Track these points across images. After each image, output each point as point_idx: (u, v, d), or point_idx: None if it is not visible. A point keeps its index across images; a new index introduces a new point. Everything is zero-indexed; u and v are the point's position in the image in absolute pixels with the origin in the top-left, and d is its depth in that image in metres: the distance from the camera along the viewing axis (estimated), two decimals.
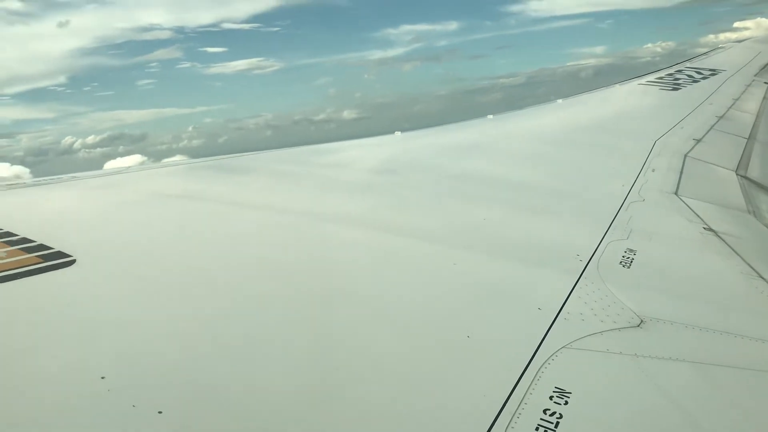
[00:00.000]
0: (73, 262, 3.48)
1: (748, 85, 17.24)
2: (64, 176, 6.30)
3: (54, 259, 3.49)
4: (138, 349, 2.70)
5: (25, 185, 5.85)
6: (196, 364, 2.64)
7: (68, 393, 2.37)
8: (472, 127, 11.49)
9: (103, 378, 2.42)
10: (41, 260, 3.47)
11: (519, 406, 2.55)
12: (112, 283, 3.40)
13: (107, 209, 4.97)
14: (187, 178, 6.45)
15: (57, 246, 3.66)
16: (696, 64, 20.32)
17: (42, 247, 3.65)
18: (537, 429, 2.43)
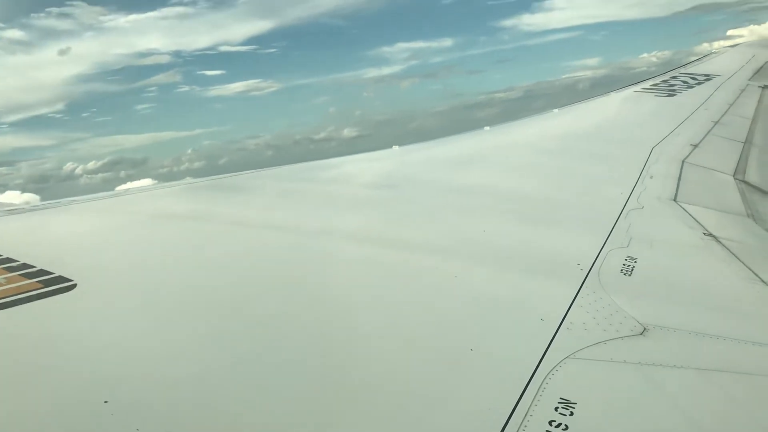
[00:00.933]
0: (74, 286, 3.48)
1: (743, 90, 17.29)
2: (63, 200, 6.30)
3: (55, 284, 3.49)
4: (140, 373, 2.70)
5: (24, 210, 5.86)
6: (198, 386, 2.63)
7: (71, 418, 2.36)
8: (469, 139, 11.52)
9: (106, 402, 2.41)
10: (42, 285, 3.47)
11: (524, 418, 2.54)
12: (113, 306, 3.40)
13: (107, 232, 4.97)
14: (185, 198, 6.46)
15: (57, 271, 3.66)
16: (690, 69, 20.39)
17: (42, 272, 3.65)
18: None
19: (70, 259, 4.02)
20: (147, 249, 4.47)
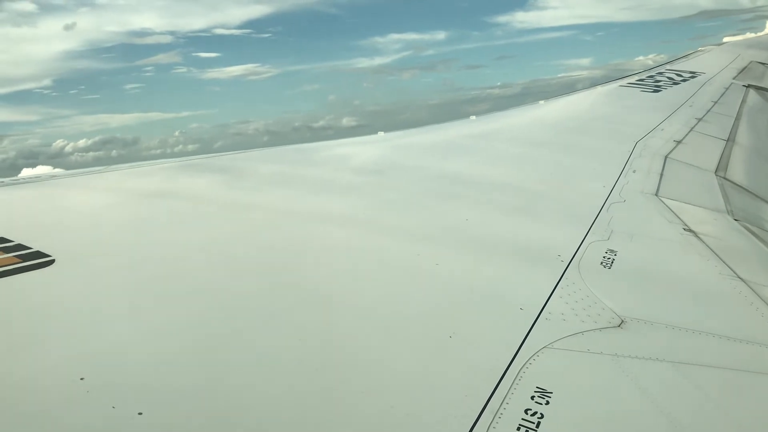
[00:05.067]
0: (51, 262, 3.45)
1: (727, 88, 17.42)
2: (43, 175, 6.23)
3: (32, 259, 3.45)
4: (117, 350, 2.68)
5: (3, 185, 5.78)
6: (176, 364, 2.62)
7: (46, 394, 2.34)
8: (454, 128, 11.50)
9: (82, 379, 2.39)
10: (19, 260, 3.43)
11: (501, 405, 2.56)
12: (91, 283, 3.37)
13: (88, 209, 4.92)
14: (169, 177, 6.40)
15: (35, 246, 3.62)
16: (676, 66, 20.51)
17: (20, 246, 3.61)
18: (518, 429, 2.44)
19: (49, 235, 3.97)
20: (129, 227, 4.43)
